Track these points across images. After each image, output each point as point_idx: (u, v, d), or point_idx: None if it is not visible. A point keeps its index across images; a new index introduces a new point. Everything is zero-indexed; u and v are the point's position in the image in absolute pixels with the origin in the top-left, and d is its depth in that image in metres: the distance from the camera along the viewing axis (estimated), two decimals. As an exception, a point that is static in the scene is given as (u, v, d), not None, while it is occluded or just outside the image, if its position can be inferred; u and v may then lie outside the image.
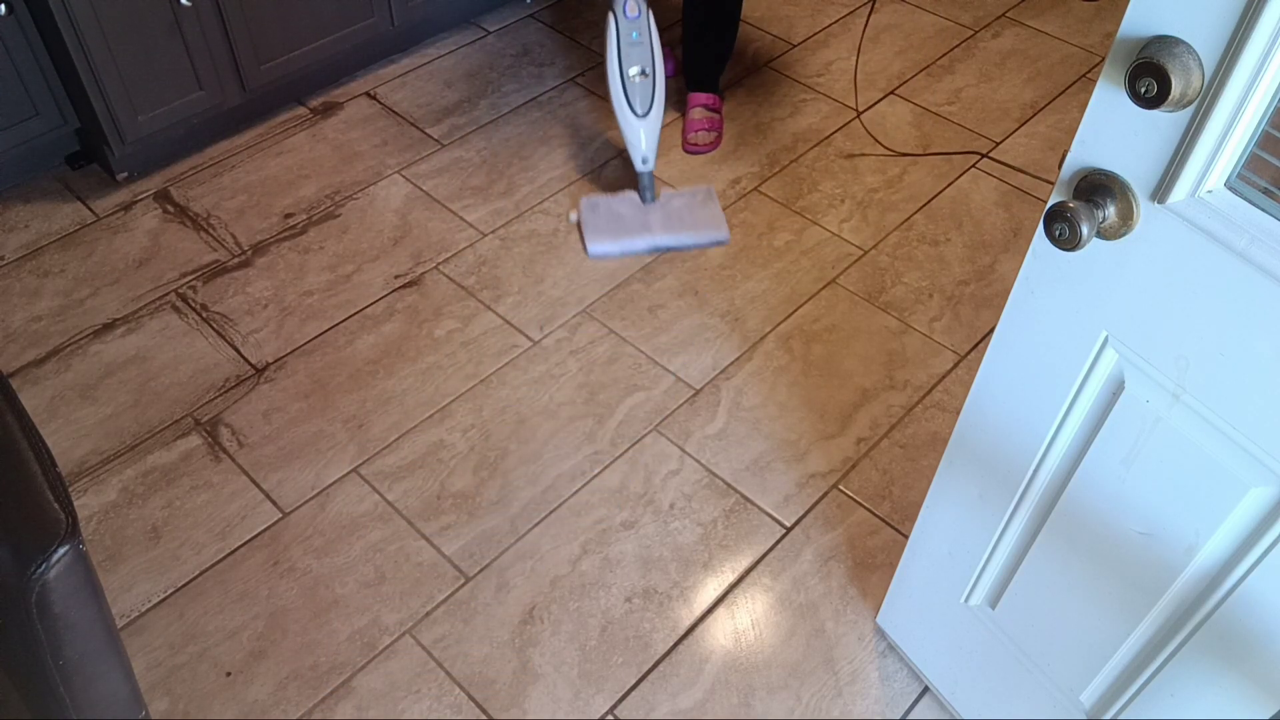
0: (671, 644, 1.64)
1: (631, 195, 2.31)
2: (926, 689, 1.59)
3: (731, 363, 2.04)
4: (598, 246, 2.22)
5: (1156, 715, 1.16)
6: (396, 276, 2.19)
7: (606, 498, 1.82)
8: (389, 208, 2.35)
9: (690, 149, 2.49)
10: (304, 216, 2.32)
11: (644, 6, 2.16)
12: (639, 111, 2.19)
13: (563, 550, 1.75)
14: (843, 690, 1.59)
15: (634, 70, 2.17)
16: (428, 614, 1.67)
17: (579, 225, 2.26)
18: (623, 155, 2.49)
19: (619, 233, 2.23)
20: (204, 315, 2.11)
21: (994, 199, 2.40)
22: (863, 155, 2.51)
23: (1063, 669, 1.27)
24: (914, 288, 2.19)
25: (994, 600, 1.34)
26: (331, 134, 2.53)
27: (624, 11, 2.15)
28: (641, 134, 2.21)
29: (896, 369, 2.04)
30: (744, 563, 1.74)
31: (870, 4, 2.93)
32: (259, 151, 2.47)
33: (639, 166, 2.25)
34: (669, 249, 2.23)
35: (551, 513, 1.80)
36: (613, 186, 2.41)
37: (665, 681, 1.60)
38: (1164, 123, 0.85)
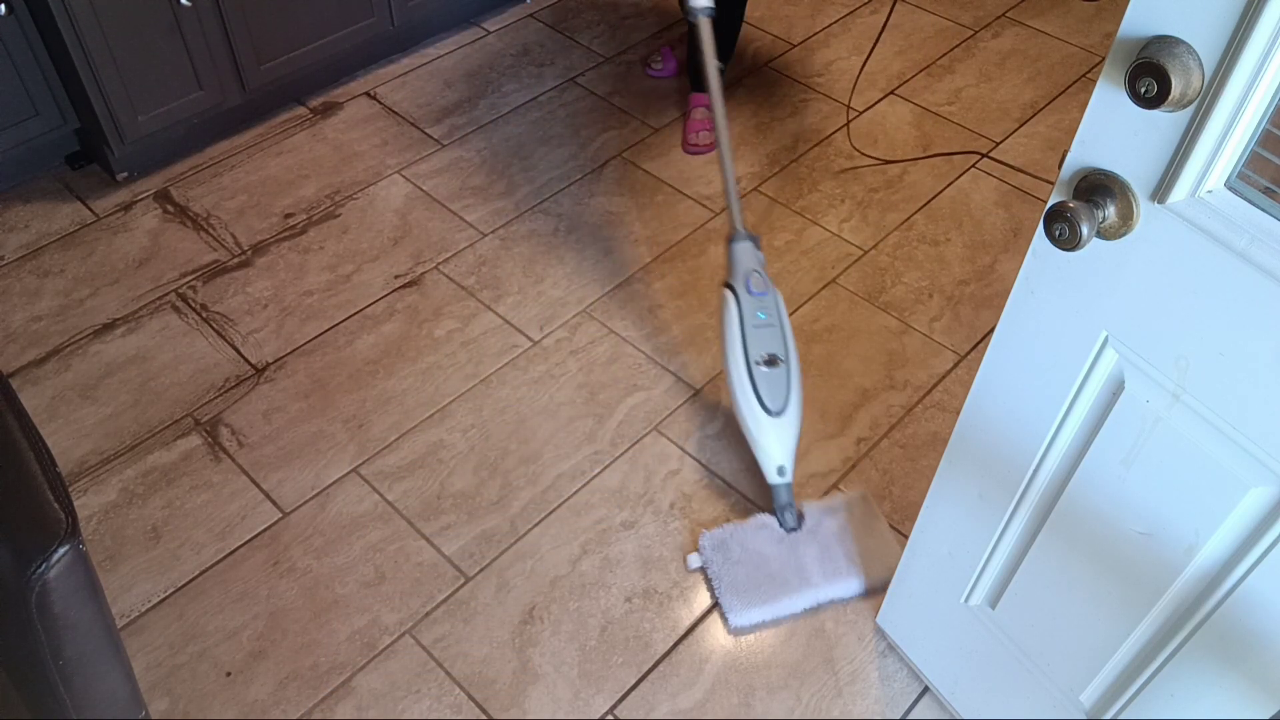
0: (671, 644, 1.64)
1: (768, 522, 1.74)
2: (926, 689, 1.59)
3: (731, 363, 2.04)
4: (745, 616, 1.65)
5: (1156, 715, 1.16)
6: (396, 276, 2.19)
7: (606, 498, 1.82)
8: (389, 208, 2.35)
9: (690, 149, 2.49)
10: (304, 216, 2.32)
11: (769, 282, 1.77)
12: (772, 409, 1.70)
13: (563, 550, 1.75)
14: (843, 690, 1.59)
15: (761, 357, 1.71)
16: (428, 614, 1.67)
17: (705, 575, 1.72)
18: (621, 156, 2.49)
19: (769, 589, 1.67)
20: (204, 315, 2.11)
21: (994, 199, 2.40)
22: (855, 168, 2.51)
23: (1063, 669, 1.27)
24: (914, 288, 2.19)
25: (994, 600, 1.34)
26: (331, 134, 2.53)
27: (748, 287, 1.75)
28: (774, 437, 1.71)
29: (896, 369, 2.04)
30: (744, 563, 1.74)
31: (890, 9, 2.90)
32: (259, 151, 2.47)
33: (772, 479, 1.72)
34: (837, 602, 1.69)
35: (551, 513, 1.80)
36: (612, 188, 2.40)
37: (665, 681, 1.60)
38: (1164, 123, 0.85)
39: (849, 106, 2.64)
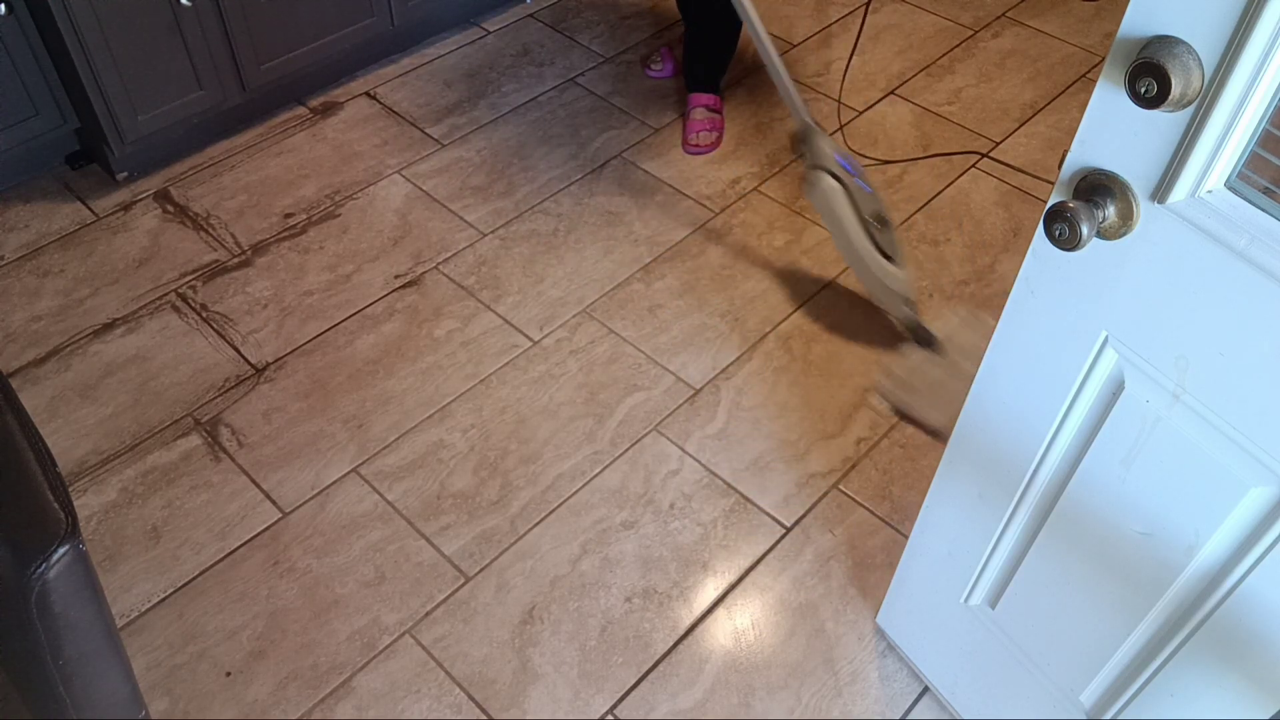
0: (671, 644, 1.64)
1: (922, 354, 2.03)
2: (926, 689, 1.59)
3: (731, 363, 2.04)
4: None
5: (1156, 715, 1.16)
6: (396, 276, 2.19)
7: (606, 498, 1.82)
8: (389, 208, 2.35)
9: (691, 149, 2.49)
10: (304, 216, 2.32)
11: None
12: (895, 258, 1.98)
13: (563, 550, 1.75)
14: (843, 690, 1.59)
15: (874, 218, 1.95)
16: (428, 614, 1.67)
17: (902, 414, 1.95)
18: (621, 156, 2.49)
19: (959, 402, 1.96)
20: (204, 315, 2.11)
21: (994, 199, 2.40)
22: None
23: (1063, 669, 1.27)
24: (914, 288, 2.19)
25: (994, 600, 1.34)
26: (331, 134, 2.53)
27: (846, 167, 1.95)
28: (902, 280, 1.98)
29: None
30: (744, 563, 1.74)
31: (864, 15, 2.92)
32: (259, 151, 2.47)
33: (905, 314, 2.01)
34: None
35: (551, 513, 1.80)
36: (612, 188, 2.41)
37: (665, 681, 1.60)
38: (1164, 123, 0.85)
39: (840, 101, 2.64)
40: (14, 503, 0.85)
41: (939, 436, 1.89)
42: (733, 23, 2.46)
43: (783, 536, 1.78)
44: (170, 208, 2.33)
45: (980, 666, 1.43)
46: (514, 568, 1.72)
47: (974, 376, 1.81)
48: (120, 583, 1.69)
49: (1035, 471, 1.18)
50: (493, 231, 2.30)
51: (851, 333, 2.10)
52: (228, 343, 2.05)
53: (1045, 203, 0.96)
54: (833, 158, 1.95)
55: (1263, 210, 0.84)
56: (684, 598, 1.70)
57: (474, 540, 1.76)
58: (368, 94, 2.65)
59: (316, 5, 2.42)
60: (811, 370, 2.03)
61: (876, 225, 1.96)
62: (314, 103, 2.61)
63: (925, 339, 2.03)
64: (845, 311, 2.14)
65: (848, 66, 2.74)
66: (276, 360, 2.03)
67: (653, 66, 2.71)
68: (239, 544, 1.75)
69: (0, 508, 0.84)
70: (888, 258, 1.97)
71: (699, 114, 2.51)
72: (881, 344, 2.08)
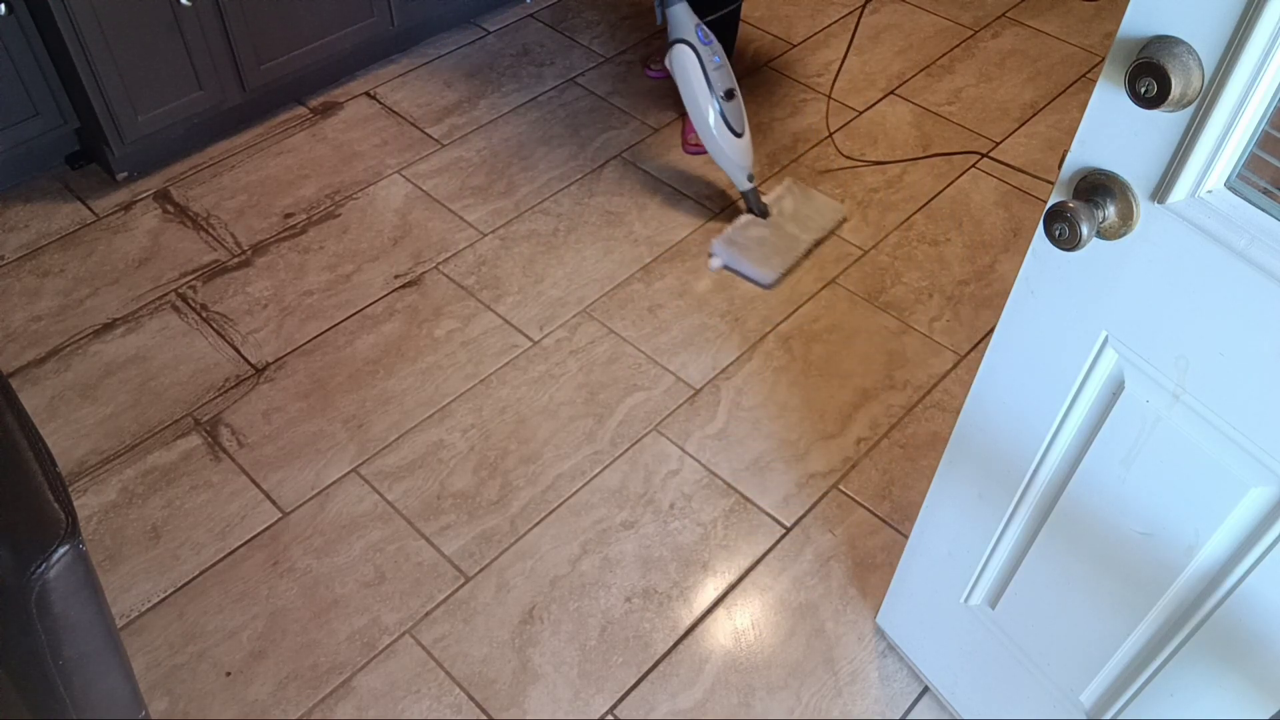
0: (671, 644, 1.64)
1: (750, 219, 2.28)
2: (926, 689, 1.59)
3: (731, 363, 2.04)
4: (770, 274, 2.18)
5: (1156, 715, 1.16)
6: (396, 276, 2.19)
7: (606, 498, 1.82)
8: (389, 208, 2.35)
9: (691, 149, 2.49)
10: (304, 216, 2.32)
11: (710, 33, 2.16)
12: (738, 131, 2.17)
13: (563, 550, 1.75)
14: (843, 690, 1.59)
15: (723, 92, 2.14)
16: (428, 614, 1.67)
17: (730, 269, 2.20)
18: (621, 156, 2.49)
19: (778, 254, 2.21)
20: (204, 315, 2.11)
21: (994, 199, 2.40)
22: (854, 168, 2.51)
23: (1063, 669, 1.27)
24: (914, 288, 2.19)
25: (994, 600, 1.34)
26: (331, 134, 2.53)
27: (701, 38, 2.12)
28: (743, 152, 2.19)
29: (896, 369, 2.04)
30: (744, 563, 1.74)
31: (859, 17, 2.92)
32: (259, 151, 2.47)
33: (744, 185, 2.23)
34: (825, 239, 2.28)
35: (551, 513, 1.80)
36: (612, 188, 2.41)
37: (665, 681, 1.60)
38: (1164, 123, 0.85)
39: (830, 96, 2.63)
40: (14, 503, 0.85)
41: (762, 287, 2.17)
42: (732, 22, 2.46)
43: (783, 536, 1.78)
44: (170, 208, 2.33)
45: (980, 666, 1.43)
46: (514, 568, 1.72)
47: (796, 236, 2.24)
48: (120, 583, 1.69)
49: (1035, 471, 1.18)
50: (493, 231, 2.30)
51: (851, 333, 2.10)
52: (228, 343, 2.05)
53: (1045, 203, 0.96)
54: (692, 29, 2.12)
55: (1263, 210, 0.84)
56: (684, 598, 1.70)
57: (474, 540, 1.76)
58: (368, 94, 2.65)
59: (316, 5, 2.42)
60: (811, 370, 2.03)
61: (725, 98, 2.14)
62: (314, 103, 2.61)
63: (760, 209, 2.27)
64: (845, 311, 2.14)
65: (840, 68, 2.74)
66: (276, 360, 2.03)
67: (653, 66, 2.71)
68: (239, 544, 1.75)
69: (0, 508, 0.84)
70: (733, 131, 2.17)
71: (699, 114, 2.52)
72: (881, 344, 2.08)
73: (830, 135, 2.55)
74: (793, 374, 2.02)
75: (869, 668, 1.61)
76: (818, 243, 2.26)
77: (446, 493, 1.82)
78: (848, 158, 2.49)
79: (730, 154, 2.18)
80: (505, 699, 1.57)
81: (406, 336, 2.07)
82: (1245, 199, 0.85)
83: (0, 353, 2.02)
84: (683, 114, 2.58)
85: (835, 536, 1.78)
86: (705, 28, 2.14)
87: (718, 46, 2.15)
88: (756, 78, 2.73)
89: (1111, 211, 0.93)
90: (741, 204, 2.33)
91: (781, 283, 2.15)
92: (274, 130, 2.53)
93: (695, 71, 2.13)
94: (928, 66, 2.78)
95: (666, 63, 2.17)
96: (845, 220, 2.30)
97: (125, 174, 2.37)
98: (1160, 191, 0.89)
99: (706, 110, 2.15)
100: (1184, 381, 0.96)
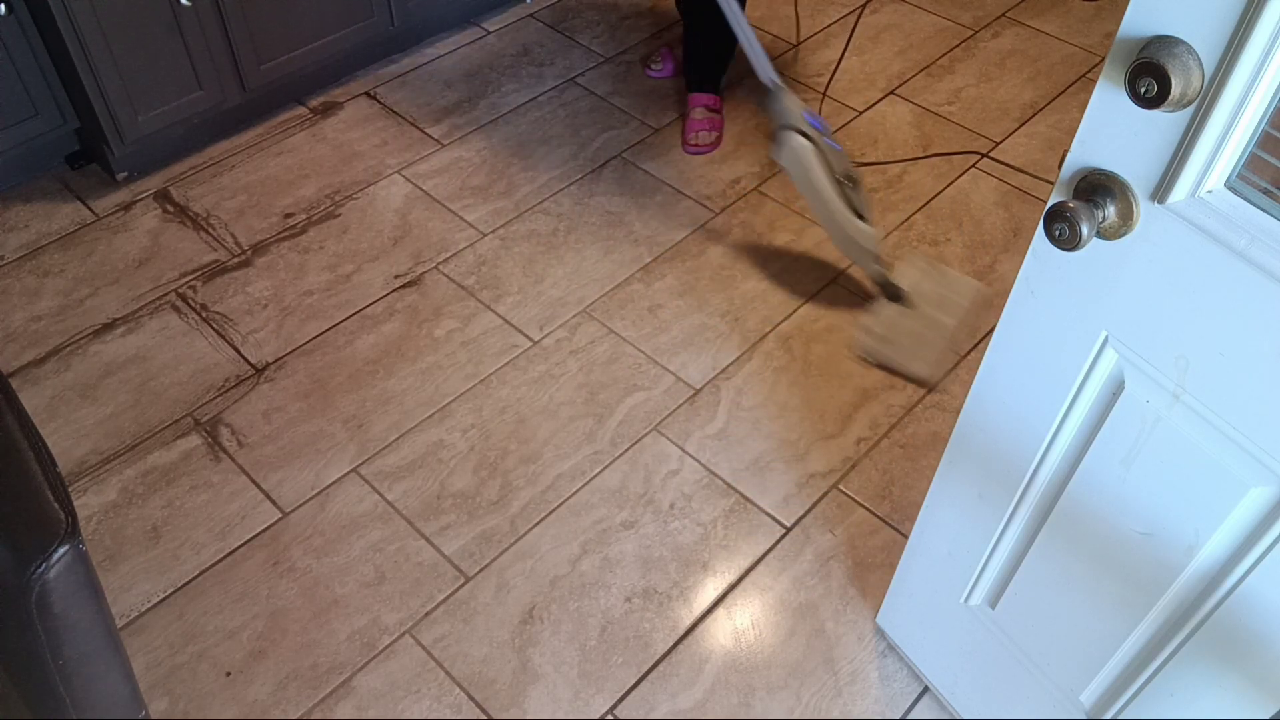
0: (671, 644, 1.64)
1: (891, 307, 2.12)
2: (926, 689, 1.59)
3: (731, 363, 2.04)
4: (929, 370, 2.03)
5: (1156, 715, 1.16)
6: (396, 276, 2.19)
7: (606, 498, 1.82)
8: (389, 208, 2.35)
9: (691, 149, 2.49)
10: (304, 216, 2.32)
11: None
12: (866, 217, 2.05)
13: (563, 550, 1.75)
14: (842, 690, 1.59)
15: (844, 176, 2.01)
16: (428, 614, 1.67)
17: (885, 367, 2.04)
18: (621, 156, 2.49)
19: (929, 346, 2.08)
20: (204, 315, 2.11)
21: (994, 199, 2.40)
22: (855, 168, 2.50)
23: (1063, 669, 1.27)
24: (881, 244, 2.19)
25: (994, 600, 1.34)
26: (331, 134, 2.53)
27: (814, 124, 1.99)
28: (872, 238, 2.04)
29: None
30: (744, 563, 1.74)
31: (857, 19, 2.91)
32: (259, 151, 2.47)
33: (875, 270, 2.08)
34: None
35: (551, 513, 1.80)
36: (612, 188, 2.41)
37: (665, 681, 1.60)
38: (1164, 123, 0.85)
39: (824, 94, 2.64)
40: (14, 503, 0.85)
41: (924, 384, 2.01)
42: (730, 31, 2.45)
43: (783, 536, 1.78)
44: (170, 208, 2.33)
45: (980, 666, 1.43)
46: (514, 568, 1.72)
47: (942, 322, 2.05)
48: (120, 583, 1.69)
49: (1035, 471, 1.18)
50: (493, 231, 2.30)
51: (851, 333, 2.10)
52: (228, 343, 2.05)
53: (1045, 203, 0.96)
54: (801, 115, 1.98)
55: (1263, 210, 0.84)
56: (684, 598, 1.70)
57: (474, 540, 1.76)
58: (368, 94, 2.65)
59: (316, 5, 2.42)
60: (811, 370, 2.03)
61: (848, 184, 2.01)
62: (314, 103, 2.61)
63: (894, 293, 2.12)
64: (845, 311, 2.14)
65: (836, 68, 2.74)
66: (276, 360, 2.03)
67: (653, 66, 2.71)
68: (239, 544, 1.75)
69: (0, 508, 0.84)
70: (860, 216, 2.03)
71: (699, 114, 2.51)
72: (856, 305, 2.08)
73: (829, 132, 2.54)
74: (793, 374, 2.02)
75: (869, 668, 1.61)
76: (961, 325, 2.09)
77: (446, 493, 1.82)
78: (858, 155, 2.48)
79: (859, 240, 2.02)
80: (505, 699, 1.57)
81: (406, 336, 2.07)
82: (1245, 199, 0.85)
83: (0, 353, 2.02)
84: (683, 114, 2.58)
85: (835, 536, 1.78)
86: (817, 117, 1.99)
87: (831, 133, 2.01)
88: (757, 78, 2.72)
89: (1111, 211, 0.93)
90: (870, 287, 2.18)
91: (944, 377, 2.01)
92: (274, 130, 2.53)
93: (812, 160, 1.97)
94: (928, 66, 2.78)
95: (774, 155, 2.00)
96: (988, 297, 2.13)
97: (125, 174, 2.37)
98: (1160, 191, 0.89)
99: (830, 198, 1.99)
100: (1184, 381, 0.96)
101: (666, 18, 2.92)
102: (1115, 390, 1.03)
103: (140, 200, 2.34)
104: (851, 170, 2.02)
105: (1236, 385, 0.91)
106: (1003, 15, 2.97)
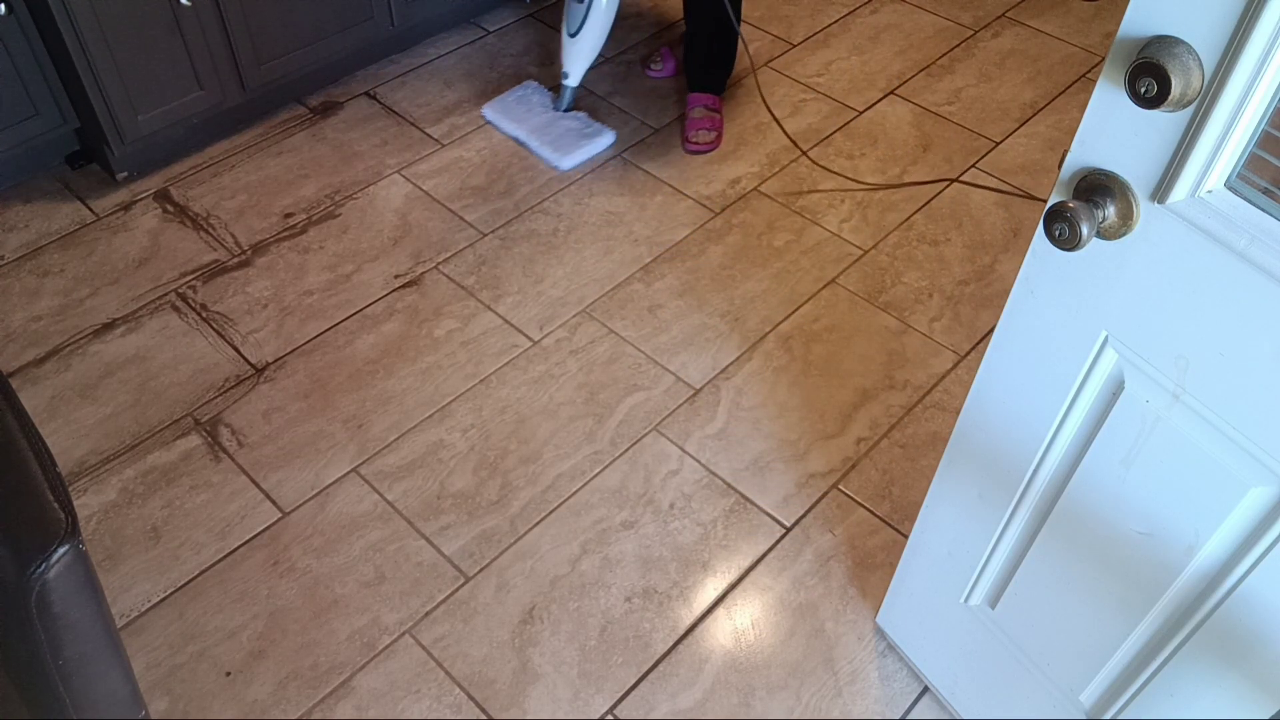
0: (671, 644, 1.64)
1: (550, 96, 2.59)
2: (926, 689, 1.59)
3: (731, 363, 2.04)
4: (489, 111, 2.55)
5: (1156, 715, 1.16)
6: (396, 276, 2.19)
7: (606, 498, 1.82)
8: (389, 207, 2.35)
9: (691, 149, 2.49)
10: (304, 216, 2.32)
11: None
12: (569, 31, 2.40)
13: (563, 550, 1.75)
14: (842, 690, 1.59)
15: None
16: (428, 614, 1.67)
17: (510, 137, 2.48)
18: (621, 156, 2.49)
19: (511, 114, 2.54)
20: (204, 315, 2.11)
21: (994, 199, 2.40)
22: (854, 169, 2.51)
23: (1063, 669, 1.27)
24: (914, 288, 2.19)
25: (994, 600, 1.34)
26: (331, 134, 2.53)
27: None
28: (568, 52, 2.43)
29: (896, 369, 2.04)
30: (744, 563, 1.74)
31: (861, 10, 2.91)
32: (259, 151, 2.47)
33: (561, 80, 2.49)
34: (525, 147, 2.49)
35: (551, 513, 1.80)
36: (612, 188, 2.41)
37: (665, 681, 1.60)
38: (1164, 123, 0.85)
39: (752, 69, 2.63)
40: (14, 503, 0.85)
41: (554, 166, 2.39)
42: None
43: (783, 536, 1.78)
44: (170, 208, 2.33)
45: (980, 666, 1.43)
46: (514, 568, 1.72)
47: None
48: (120, 583, 1.69)
49: (1035, 471, 1.18)
50: (493, 231, 2.30)
51: (851, 333, 2.10)
52: (228, 343, 2.05)
53: (1045, 203, 0.96)
54: None
55: (1263, 210, 0.84)
56: (684, 598, 1.70)
57: (474, 540, 1.76)
58: (368, 94, 2.65)
59: (316, 5, 2.42)
60: (811, 370, 2.03)
61: (570, 2, 2.39)
62: (314, 103, 2.61)
63: (557, 102, 2.55)
64: (845, 311, 2.14)
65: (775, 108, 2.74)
66: (276, 360, 2.03)
67: (653, 66, 2.71)
68: (239, 544, 1.75)
69: (0, 508, 0.84)
70: (568, 29, 2.42)
71: (698, 113, 2.51)
72: (856, 305, 2.08)
73: (801, 152, 2.54)
74: (793, 374, 2.02)
75: (869, 668, 1.61)
76: (519, 142, 2.50)
77: (446, 493, 1.82)
78: (825, 169, 2.48)
79: (560, 49, 2.47)
80: (505, 699, 1.57)
81: (406, 336, 2.07)
82: (1245, 199, 0.85)
83: (0, 353, 2.02)
84: (682, 114, 2.58)
85: (835, 536, 1.78)
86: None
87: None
88: (757, 78, 2.72)
89: (1111, 211, 0.93)
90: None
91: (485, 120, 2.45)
92: (274, 130, 2.53)
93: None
94: (928, 66, 2.78)
95: None
96: (557, 170, 2.44)
97: (125, 174, 2.37)
98: (1160, 191, 0.89)
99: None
100: (1184, 381, 0.96)
101: (667, 18, 2.92)
102: (1115, 390, 1.03)
103: (140, 200, 2.34)
104: None
105: (1236, 385, 0.91)
106: (1003, 15, 2.97)
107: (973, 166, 2.48)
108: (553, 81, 2.68)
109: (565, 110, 2.52)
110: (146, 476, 1.83)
